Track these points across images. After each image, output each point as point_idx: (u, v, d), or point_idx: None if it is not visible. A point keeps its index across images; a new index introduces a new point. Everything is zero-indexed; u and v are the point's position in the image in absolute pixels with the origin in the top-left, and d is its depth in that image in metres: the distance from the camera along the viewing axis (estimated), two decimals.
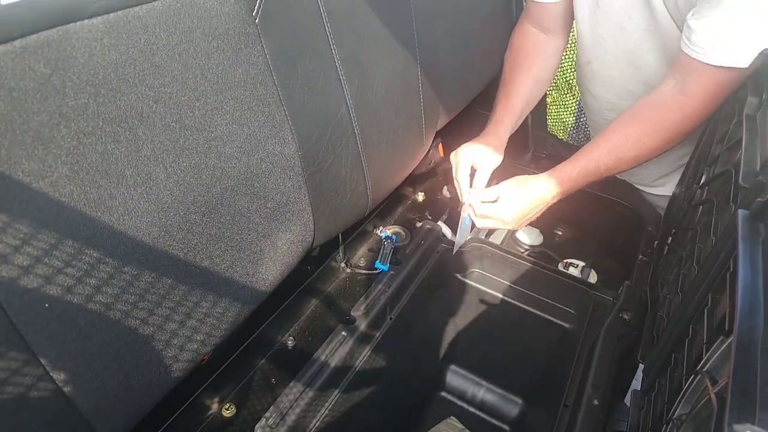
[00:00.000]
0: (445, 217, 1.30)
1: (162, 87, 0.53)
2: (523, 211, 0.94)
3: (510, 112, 1.07)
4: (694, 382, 0.54)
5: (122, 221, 0.51)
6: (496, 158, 1.02)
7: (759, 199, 0.57)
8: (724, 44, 0.76)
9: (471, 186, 1.01)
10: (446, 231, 1.23)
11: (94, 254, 0.49)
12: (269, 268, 0.72)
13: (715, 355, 0.53)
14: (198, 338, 0.62)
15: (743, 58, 0.75)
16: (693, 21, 0.78)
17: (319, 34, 0.74)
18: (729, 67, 0.77)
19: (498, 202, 0.95)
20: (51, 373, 0.48)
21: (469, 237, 1.14)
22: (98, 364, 0.52)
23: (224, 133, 0.61)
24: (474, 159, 1.00)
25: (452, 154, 1.04)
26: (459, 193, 1.02)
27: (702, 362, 0.55)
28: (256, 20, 0.61)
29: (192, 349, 0.61)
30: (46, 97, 0.44)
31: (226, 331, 0.66)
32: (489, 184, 1.02)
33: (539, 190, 0.93)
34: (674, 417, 0.56)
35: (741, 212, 0.59)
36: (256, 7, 0.61)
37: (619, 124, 0.91)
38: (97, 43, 0.46)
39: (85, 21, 0.45)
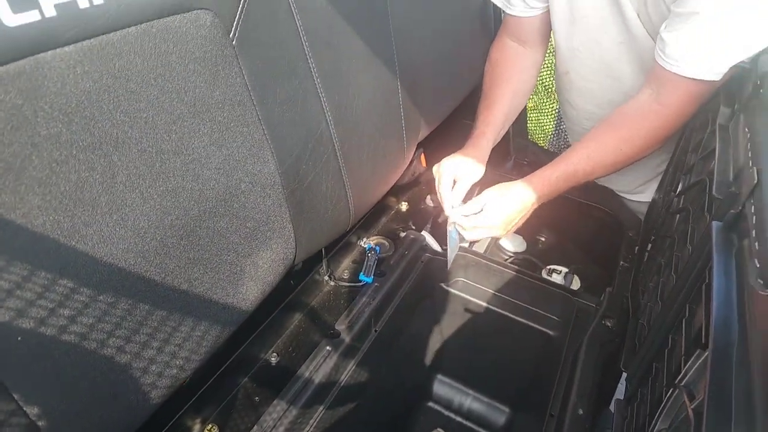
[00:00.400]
0: (428, 226, 1.30)
1: (137, 112, 0.52)
2: (510, 216, 0.94)
3: (491, 124, 1.08)
4: (674, 396, 0.55)
5: (97, 249, 0.51)
6: (478, 171, 1.03)
7: (732, 211, 0.58)
8: (695, 58, 0.77)
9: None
10: (430, 240, 1.24)
11: (69, 284, 0.48)
12: (250, 288, 0.72)
13: (693, 368, 0.54)
14: (177, 363, 0.61)
15: (714, 72, 0.76)
16: (666, 34, 0.79)
17: (297, 53, 0.73)
18: (702, 80, 0.78)
19: (484, 211, 0.95)
20: (24, 408, 0.47)
21: (461, 247, 1.14)
22: (74, 395, 0.51)
23: (202, 155, 0.60)
24: (456, 172, 1.01)
25: (435, 167, 1.04)
26: (443, 206, 1.02)
27: (681, 375, 0.55)
28: (233, 42, 0.61)
29: (171, 375, 0.60)
30: (17, 128, 0.43)
31: (205, 354, 0.66)
32: (471, 193, 1.03)
33: (523, 194, 0.94)
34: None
35: (715, 224, 0.59)
36: (232, 30, 0.61)
37: (597, 132, 0.93)
38: (70, 72, 0.46)
39: (58, 50, 0.45)
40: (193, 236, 0.61)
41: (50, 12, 0.43)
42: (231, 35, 0.61)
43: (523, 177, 0.97)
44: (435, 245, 1.23)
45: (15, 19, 0.41)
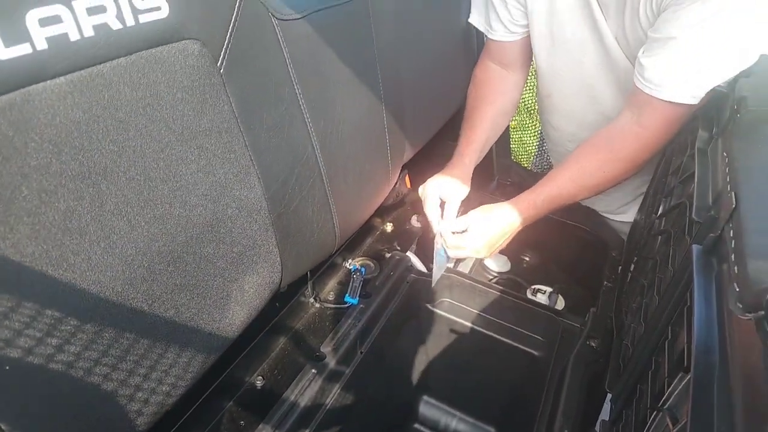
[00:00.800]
0: (414, 247, 1.31)
1: (126, 141, 0.52)
2: (493, 239, 0.96)
3: (474, 143, 1.10)
4: (657, 419, 0.56)
5: (85, 277, 0.50)
6: (463, 189, 1.05)
7: (711, 235, 0.59)
8: (673, 82, 0.79)
9: (441, 218, 1.03)
10: (415, 261, 1.24)
11: (56, 313, 0.48)
12: (236, 313, 0.72)
13: (676, 391, 0.55)
14: (163, 389, 0.60)
15: (692, 96, 0.78)
16: (644, 58, 0.81)
17: (283, 80, 0.74)
18: (680, 103, 0.80)
19: (468, 232, 0.97)
20: None
21: (446, 267, 1.15)
22: (59, 424, 0.50)
23: (189, 182, 0.60)
24: (442, 191, 1.03)
25: (420, 188, 1.06)
26: (431, 224, 1.04)
27: (664, 398, 0.56)
28: (221, 70, 0.62)
29: (157, 402, 0.60)
30: (8, 159, 0.43)
31: (191, 380, 0.65)
32: (457, 214, 1.04)
33: (507, 217, 0.95)
34: None
35: (695, 248, 0.60)
36: (220, 58, 0.61)
37: (579, 154, 0.95)
38: (60, 103, 0.46)
39: (49, 82, 0.45)
40: (180, 262, 0.61)
41: (41, 45, 0.43)
42: (218, 64, 0.61)
43: (506, 197, 0.99)
44: (420, 266, 1.24)
45: (7, 53, 0.41)
